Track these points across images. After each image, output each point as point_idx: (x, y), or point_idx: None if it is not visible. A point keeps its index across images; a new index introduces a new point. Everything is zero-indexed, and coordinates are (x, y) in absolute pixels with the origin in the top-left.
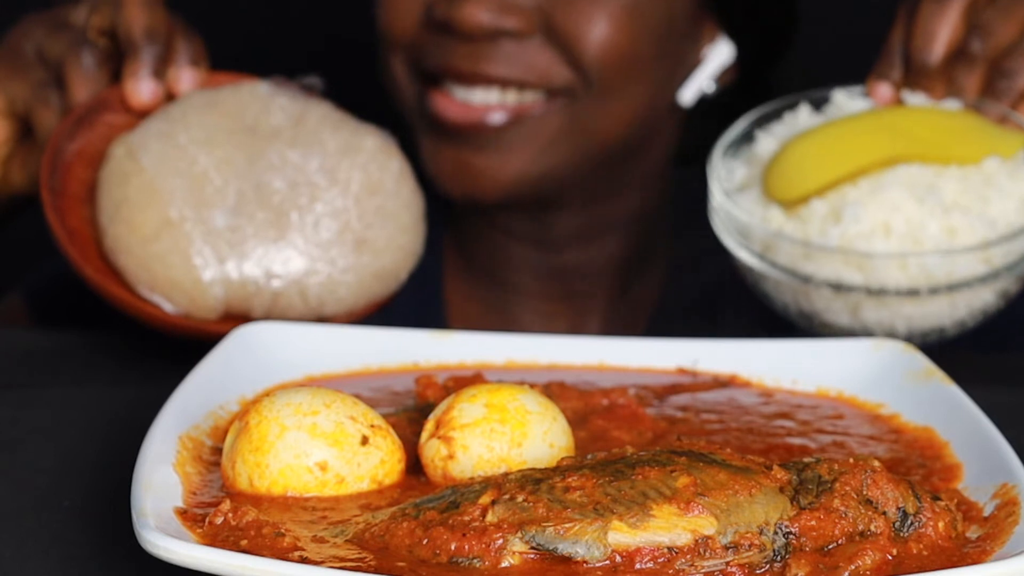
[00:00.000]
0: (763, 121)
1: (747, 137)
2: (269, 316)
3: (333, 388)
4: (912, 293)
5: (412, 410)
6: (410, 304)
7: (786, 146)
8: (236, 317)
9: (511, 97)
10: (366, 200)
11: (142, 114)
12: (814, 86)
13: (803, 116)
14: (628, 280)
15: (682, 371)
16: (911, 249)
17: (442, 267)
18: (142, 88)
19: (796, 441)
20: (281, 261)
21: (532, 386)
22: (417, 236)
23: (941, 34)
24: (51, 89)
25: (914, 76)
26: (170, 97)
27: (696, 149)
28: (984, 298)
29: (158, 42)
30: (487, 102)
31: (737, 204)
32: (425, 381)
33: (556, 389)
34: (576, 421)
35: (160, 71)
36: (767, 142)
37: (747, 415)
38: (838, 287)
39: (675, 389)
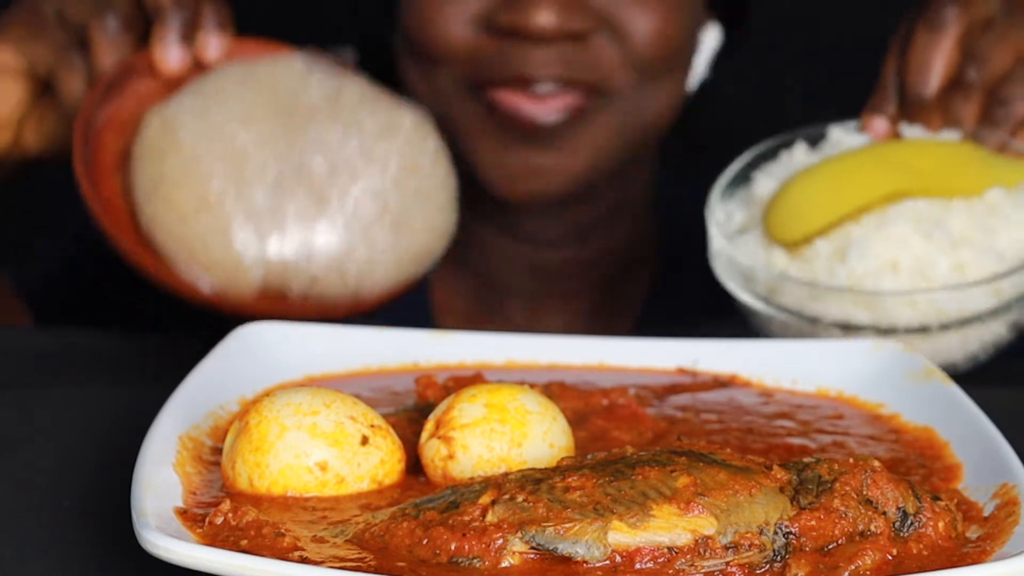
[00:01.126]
0: (759, 161)
1: (743, 178)
2: (307, 296)
3: (333, 388)
4: (923, 330)
5: (412, 410)
6: (396, 301)
7: (786, 186)
8: (273, 296)
9: (568, 95)
10: (404, 181)
11: (170, 81)
12: (809, 121)
13: (799, 154)
14: (618, 276)
15: (682, 371)
16: (920, 286)
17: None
18: (171, 54)
19: (796, 441)
20: (321, 242)
21: (532, 386)
22: (451, 215)
23: (936, 65)
24: (75, 52)
25: (910, 108)
26: (197, 63)
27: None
28: (995, 331)
29: (186, 7)
30: (549, 91)
31: (738, 248)
32: (425, 381)
33: (556, 389)
34: (576, 421)
35: (188, 36)
36: (765, 182)
37: (747, 415)
38: (847, 327)
39: (675, 389)
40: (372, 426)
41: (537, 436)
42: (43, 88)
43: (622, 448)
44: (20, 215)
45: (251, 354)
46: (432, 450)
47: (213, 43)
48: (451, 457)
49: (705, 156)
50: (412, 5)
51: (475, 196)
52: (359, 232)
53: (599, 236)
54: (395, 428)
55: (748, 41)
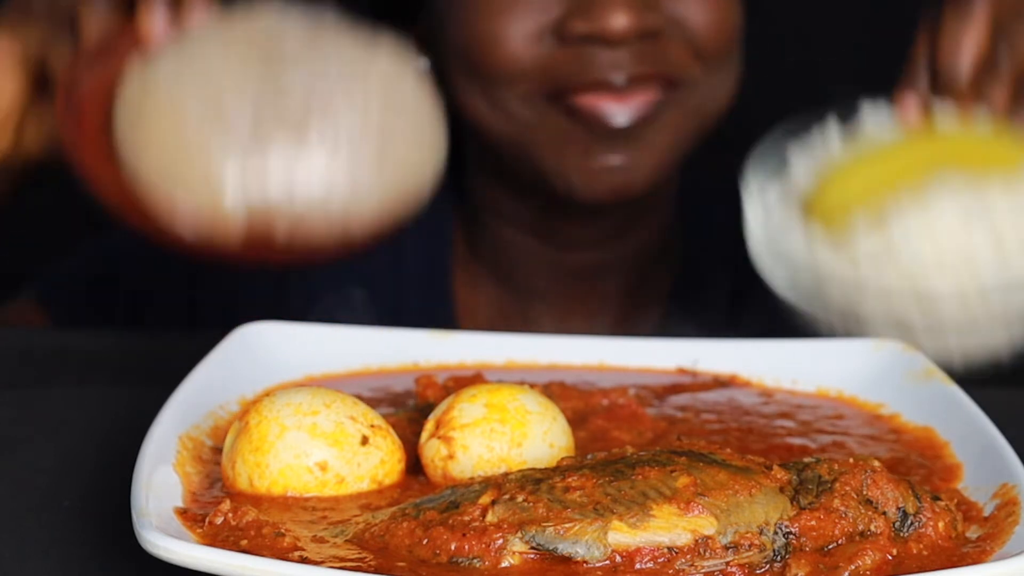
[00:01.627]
0: (790, 139)
1: (777, 161)
2: (292, 237)
3: (333, 388)
4: (970, 325)
5: (412, 410)
6: (418, 301)
7: (827, 181)
8: (258, 239)
9: (643, 90)
10: (385, 118)
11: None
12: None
13: (833, 137)
14: (642, 278)
15: (682, 371)
16: (968, 281)
17: (451, 265)
18: (156, 22)
19: (796, 441)
20: (303, 181)
21: (532, 386)
22: (437, 153)
23: (967, 46)
24: (66, 34)
25: (942, 88)
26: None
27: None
28: None
29: None
30: (625, 84)
31: (782, 245)
32: (425, 381)
33: (556, 389)
34: (576, 421)
35: (174, 6)
36: (803, 171)
37: (747, 415)
38: (895, 325)
39: (675, 389)
40: (372, 426)
41: (537, 436)
42: (41, 83)
43: (622, 448)
44: (39, 233)
45: (251, 354)
46: (432, 450)
47: (199, 10)
48: (451, 457)
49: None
50: (470, 24)
51: (504, 200)
52: (342, 169)
53: (628, 236)
54: (395, 428)
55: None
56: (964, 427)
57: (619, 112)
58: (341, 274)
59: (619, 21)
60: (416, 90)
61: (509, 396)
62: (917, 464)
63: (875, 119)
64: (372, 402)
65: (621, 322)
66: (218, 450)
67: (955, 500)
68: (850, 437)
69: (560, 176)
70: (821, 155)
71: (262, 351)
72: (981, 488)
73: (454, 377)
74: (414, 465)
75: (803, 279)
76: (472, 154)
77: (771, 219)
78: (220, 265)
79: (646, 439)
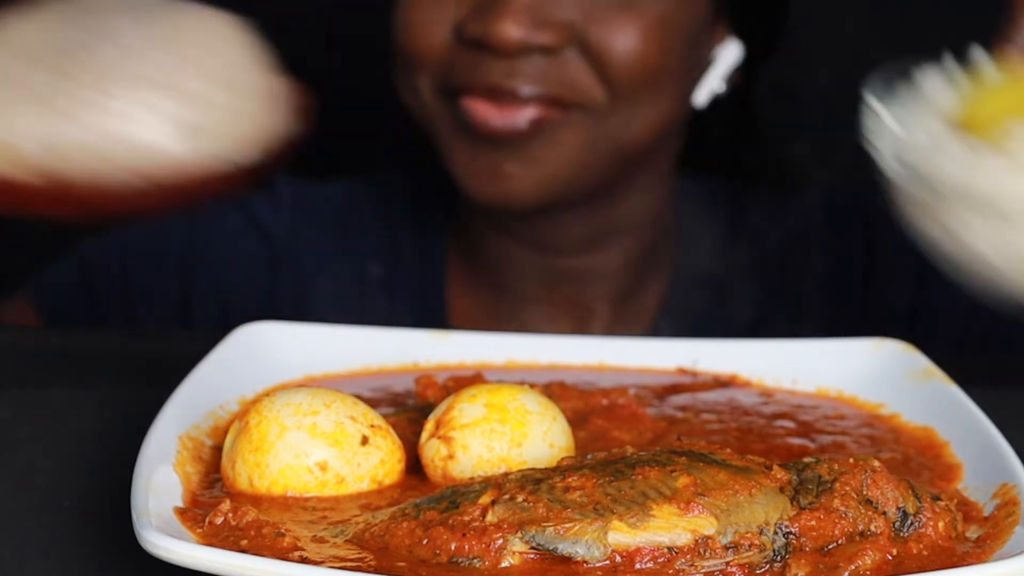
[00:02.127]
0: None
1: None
2: (94, 186)
3: (333, 388)
4: None
5: (412, 410)
6: (412, 308)
7: (972, 101)
8: (58, 186)
9: (537, 106)
10: (197, 75)
11: None
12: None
13: (955, 71)
14: (633, 285)
15: (682, 371)
16: None
17: (444, 271)
18: None
19: (796, 441)
20: (99, 130)
21: (532, 386)
22: (264, 119)
23: None
24: None
25: None
26: None
27: (694, 150)
28: None
29: None
30: (517, 99)
31: (930, 158)
32: (425, 381)
33: (556, 389)
34: (576, 421)
35: None
36: (940, 93)
37: (747, 415)
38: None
39: (675, 389)
40: (372, 426)
41: (537, 436)
42: None
43: (622, 448)
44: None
45: (251, 354)
46: (432, 450)
47: None
48: (451, 457)
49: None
50: (399, 12)
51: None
52: (147, 122)
53: (613, 245)
54: (395, 428)
55: (776, 57)
56: (964, 427)
57: (503, 122)
58: (336, 277)
59: (507, 31)
60: (236, 54)
61: (509, 396)
62: (917, 464)
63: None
64: (372, 402)
65: (611, 328)
66: (218, 450)
67: (955, 500)
68: (849, 437)
69: (453, 173)
70: (957, 80)
71: (262, 351)
72: (981, 488)
73: (454, 377)
74: (414, 465)
75: (953, 186)
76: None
77: (915, 135)
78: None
79: (646, 439)
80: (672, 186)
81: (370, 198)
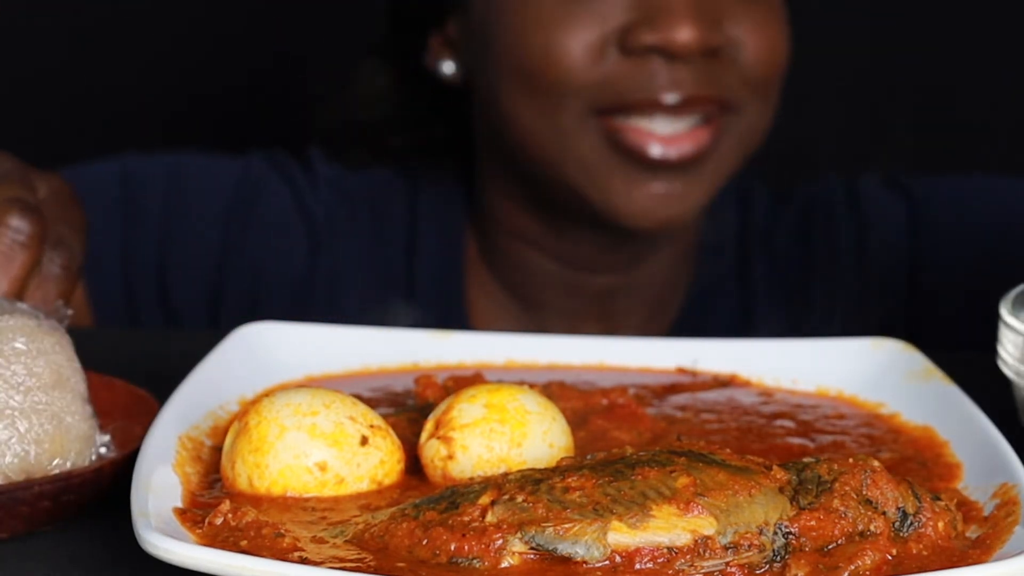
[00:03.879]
0: None
1: None
2: None
3: (333, 388)
4: None
5: (412, 410)
6: (432, 315)
7: None
8: None
9: (697, 115)
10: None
11: None
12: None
13: None
14: (659, 299)
15: (682, 371)
16: None
17: (465, 279)
18: None
19: (796, 441)
20: None
21: (532, 386)
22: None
23: None
24: None
25: None
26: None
27: None
28: None
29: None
30: (675, 132)
31: None
32: (425, 381)
33: (556, 389)
34: (576, 421)
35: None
36: None
37: (747, 415)
38: None
39: (675, 389)
40: (371, 426)
41: (537, 436)
42: None
43: (622, 448)
44: None
45: (250, 354)
46: (432, 450)
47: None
48: (451, 457)
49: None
50: (525, 35)
51: (519, 219)
52: None
53: (648, 261)
54: (395, 428)
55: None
56: (963, 426)
57: (674, 151)
58: (363, 271)
59: (687, 34)
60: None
61: (509, 396)
62: (917, 463)
63: None
64: (372, 402)
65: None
66: (218, 450)
67: (955, 500)
68: (849, 437)
69: (604, 202)
70: None
71: (262, 351)
72: (980, 488)
73: (454, 377)
74: (413, 465)
75: None
76: (488, 170)
77: None
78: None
79: (645, 439)
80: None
81: (397, 190)
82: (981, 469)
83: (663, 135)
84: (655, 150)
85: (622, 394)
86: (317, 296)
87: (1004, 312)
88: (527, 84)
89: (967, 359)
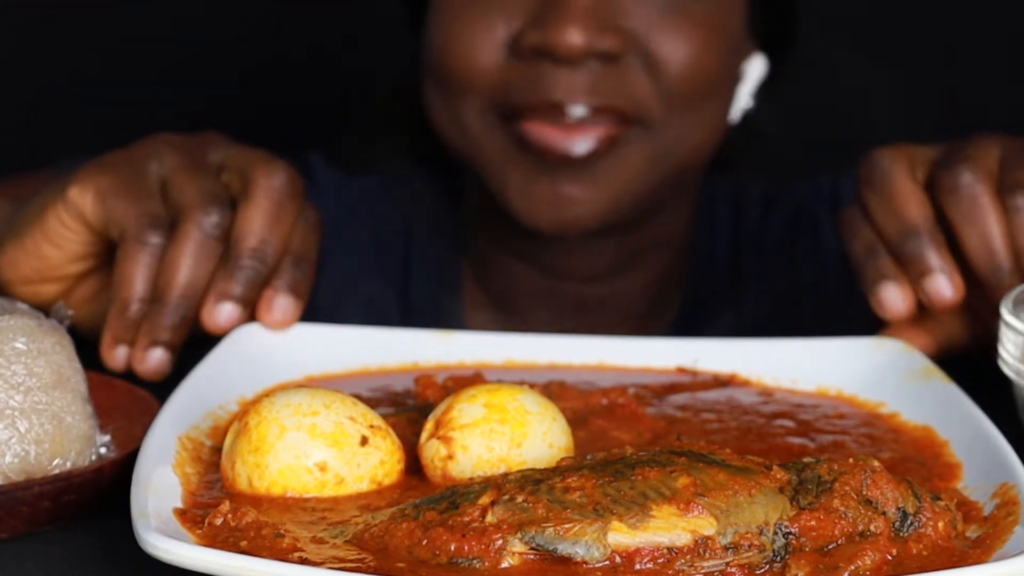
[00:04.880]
0: None
1: None
2: None
3: (332, 389)
4: None
5: (412, 410)
6: (427, 316)
7: None
8: None
9: (600, 124)
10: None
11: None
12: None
13: None
14: (651, 309)
15: (682, 370)
16: None
17: (461, 299)
18: (221, 312)
19: (795, 441)
20: None
21: (532, 386)
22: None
23: (911, 203)
24: (155, 230)
25: (908, 260)
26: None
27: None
28: None
29: (265, 263)
30: (582, 116)
31: None
32: (425, 381)
33: (556, 389)
34: (575, 421)
35: (251, 294)
36: None
37: (746, 414)
38: None
39: (674, 388)
40: (371, 426)
41: (537, 436)
42: (106, 257)
43: (622, 448)
44: None
45: (250, 354)
46: (432, 450)
47: (279, 306)
48: (451, 457)
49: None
50: (438, 31)
51: (499, 227)
52: None
53: (637, 270)
54: (395, 428)
55: (794, 72)
56: (963, 426)
57: (567, 143)
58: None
59: (571, 36)
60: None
61: (509, 396)
62: (916, 463)
63: None
64: (371, 402)
65: None
66: (217, 450)
67: (955, 500)
68: (849, 436)
69: (508, 201)
70: None
71: (261, 351)
72: (980, 487)
73: (453, 377)
74: (413, 465)
75: None
76: (468, 179)
77: None
78: None
79: (645, 439)
80: (694, 206)
81: (392, 197)
82: (981, 469)
83: (557, 128)
84: (546, 140)
85: (622, 394)
86: (317, 308)
87: (1004, 312)
88: (437, 82)
89: (967, 359)
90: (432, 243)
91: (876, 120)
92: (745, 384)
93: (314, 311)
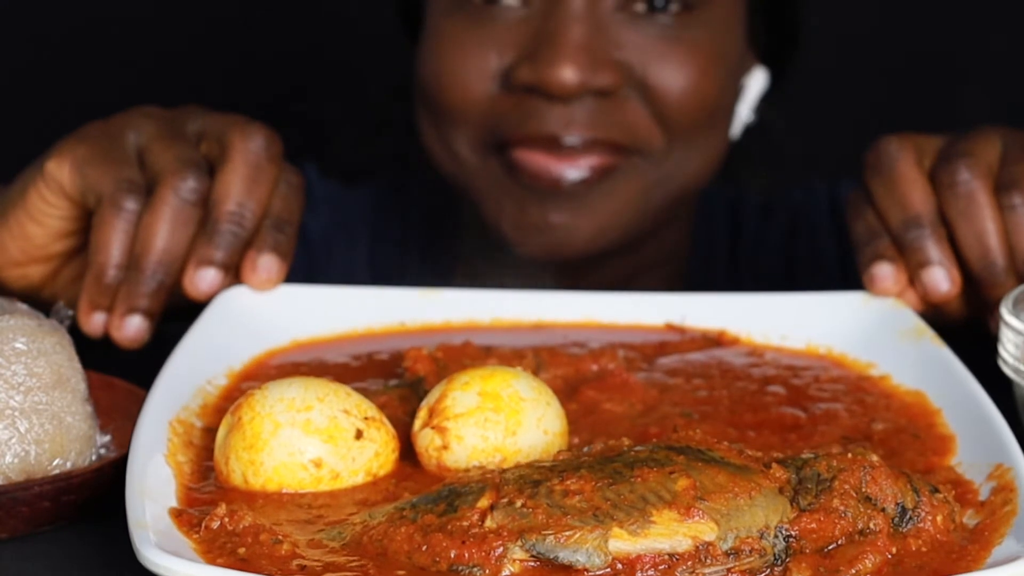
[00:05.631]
0: None
1: None
2: None
3: (324, 373)
4: None
5: (403, 386)
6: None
7: None
8: None
9: (594, 154)
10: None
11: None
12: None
13: None
14: None
15: (671, 327)
16: None
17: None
18: (203, 279)
19: (788, 411)
20: None
21: (523, 354)
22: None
23: (915, 193)
24: (131, 195)
25: (909, 247)
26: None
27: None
28: None
29: (244, 226)
30: (575, 144)
31: None
32: (414, 355)
33: (546, 356)
34: (566, 391)
35: (232, 258)
36: None
37: (738, 380)
38: None
39: (664, 348)
40: (366, 418)
41: (531, 423)
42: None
43: (619, 441)
44: None
45: (236, 321)
46: (426, 440)
47: (263, 266)
48: (445, 447)
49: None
50: (429, 61)
51: (493, 245)
52: None
53: (637, 286)
54: (387, 408)
55: (795, 80)
56: (956, 393)
57: (562, 170)
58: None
59: (564, 75)
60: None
61: (503, 383)
62: (910, 435)
63: None
64: (360, 372)
65: None
66: (208, 432)
67: (952, 492)
68: (841, 404)
69: (496, 227)
70: None
71: (246, 316)
72: (975, 465)
73: (443, 347)
74: (407, 449)
75: None
76: (465, 203)
77: None
78: None
79: (637, 411)
80: (692, 220)
81: (388, 207)
82: (975, 442)
83: (549, 156)
84: (537, 167)
85: (612, 358)
86: None
87: (1004, 312)
88: (428, 110)
89: (966, 358)
90: (427, 251)
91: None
92: (734, 342)
93: None
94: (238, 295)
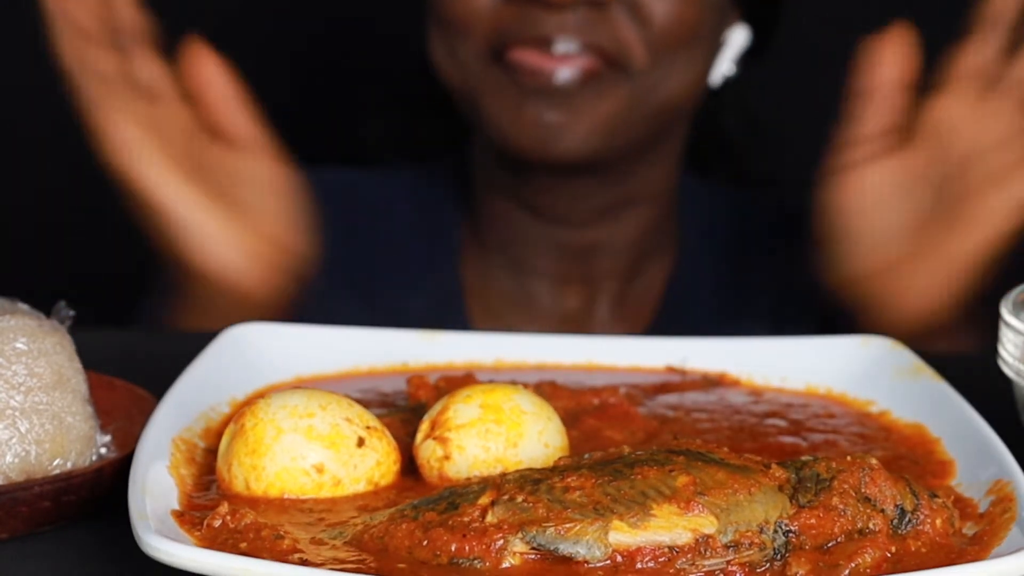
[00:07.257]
0: None
1: None
2: None
3: (326, 389)
4: None
5: (405, 411)
6: (428, 289)
7: None
8: None
9: (584, 57)
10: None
11: None
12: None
13: None
14: (640, 261)
15: (671, 370)
16: None
17: (460, 252)
18: None
19: (788, 440)
20: None
21: (524, 386)
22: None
23: None
24: None
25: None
26: None
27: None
28: None
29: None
30: (567, 51)
31: None
32: (417, 382)
33: (547, 389)
34: (568, 420)
35: None
36: None
37: (738, 414)
38: None
39: (665, 388)
40: (368, 427)
41: (532, 436)
42: None
43: (618, 447)
44: None
45: (240, 356)
46: (428, 451)
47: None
48: (447, 458)
49: (725, 153)
50: None
51: (500, 174)
52: None
53: (623, 220)
54: (388, 429)
55: (779, 44)
56: (954, 423)
57: (553, 69)
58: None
59: None
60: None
61: (504, 396)
62: (909, 461)
63: None
64: (363, 403)
65: (618, 307)
66: (210, 452)
67: (951, 497)
68: (841, 436)
69: (494, 128)
70: None
71: (252, 352)
72: (975, 484)
73: (445, 378)
74: (409, 466)
75: None
76: (472, 126)
77: None
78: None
79: (638, 439)
80: (679, 166)
81: (382, 188)
82: (974, 465)
83: (542, 56)
84: (531, 65)
85: (613, 393)
86: (314, 304)
87: (1004, 312)
88: (437, 24)
89: (966, 359)
90: (434, 210)
91: None
92: (735, 384)
93: (309, 308)
94: (242, 333)
